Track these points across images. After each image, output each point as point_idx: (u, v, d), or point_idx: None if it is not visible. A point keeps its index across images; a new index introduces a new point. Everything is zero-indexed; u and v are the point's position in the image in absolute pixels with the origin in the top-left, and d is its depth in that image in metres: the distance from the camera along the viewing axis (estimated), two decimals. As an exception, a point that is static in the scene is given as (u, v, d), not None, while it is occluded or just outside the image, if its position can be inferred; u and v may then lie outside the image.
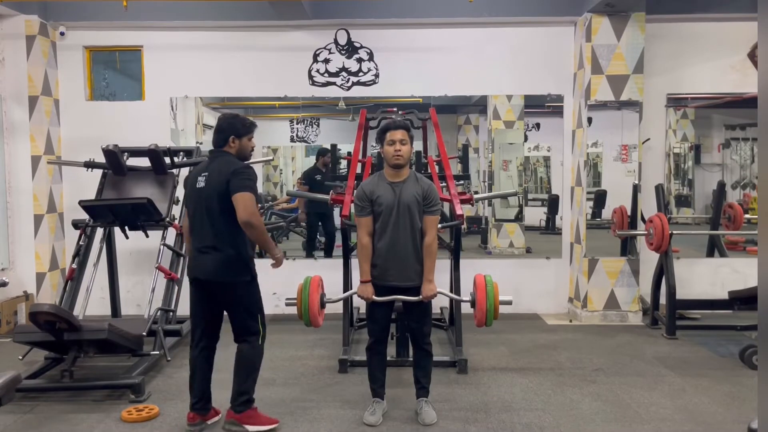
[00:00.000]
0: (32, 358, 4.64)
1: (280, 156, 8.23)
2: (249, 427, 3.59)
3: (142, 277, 6.32)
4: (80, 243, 5.27)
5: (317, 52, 6.53)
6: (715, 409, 3.99)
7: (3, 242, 6.18)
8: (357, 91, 6.59)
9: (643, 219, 6.18)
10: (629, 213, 6.27)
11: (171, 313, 5.08)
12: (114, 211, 5.15)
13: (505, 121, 6.94)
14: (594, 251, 6.22)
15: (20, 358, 4.62)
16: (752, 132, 7.10)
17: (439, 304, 5.93)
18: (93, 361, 4.64)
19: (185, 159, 5.79)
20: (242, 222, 3.43)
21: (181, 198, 5.61)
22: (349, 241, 5.34)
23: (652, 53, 6.30)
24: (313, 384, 4.45)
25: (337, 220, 6.61)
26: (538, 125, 7.24)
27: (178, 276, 5.22)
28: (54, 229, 6.41)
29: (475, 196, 5.91)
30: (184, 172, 5.78)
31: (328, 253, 7.09)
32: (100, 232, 5.42)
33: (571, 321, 6.29)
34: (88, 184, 5.73)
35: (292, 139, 7.62)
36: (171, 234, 5.35)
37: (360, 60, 6.53)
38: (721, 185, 6.79)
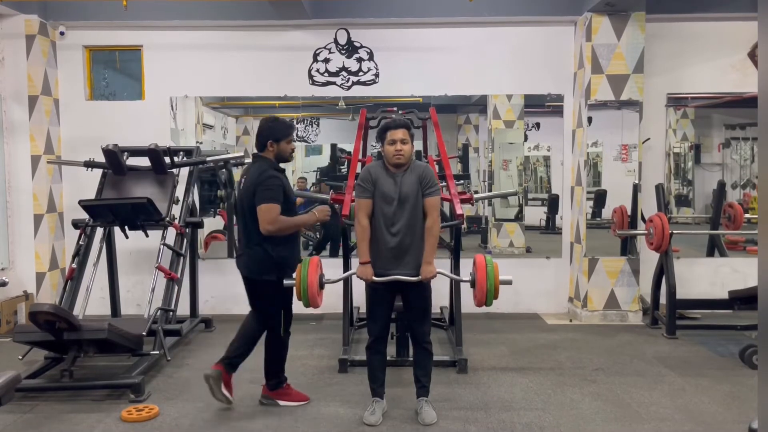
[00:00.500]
0: (32, 358, 4.63)
1: (280, 156, 8.21)
2: (281, 402, 4.04)
3: (142, 277, 6.32)
4: (80, 243, 5.27)
5: (317, 52, 6.53)
6: (715, 408, 3.99)
7: (3, 242, 6.18)
8: (357, 91, 6.59)
9: (643, 219, 6.18)
10: (629, 213, 6.26)
11: (171, 313, 5.08)
12: (114, 210, 5.15)
13: (505, 121, 6.94)
14: (594, 251, 6.22)
15: (20, 357, 4.62)
16: (752, 131, 7.09)
17: (439, 303, 5.93)
18: (93, 360, 4.63)
19: (185, 159, 5.79)
20: (264, 232, 3.74)
21: (180, 198, 5.62)
22: (349, 241, 5.33)
23: (652, 53, 6.30)
24: (313, 384, 4.45)
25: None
26: (538, 125, 7.24)
27: (178, 276, 5.22)
28: (54, 228, 6.41)
29: (475, 196, 5.91)
30: (184, 171, 5.80)
31: (335, 253, 6.99)
32: (100, 231, 5.43)
33: (571, 321, 6.29)
34: (88, 184, 5.73)
35: (292, 139, 7.62)
36: (171, 234, 5.34)
37: (360, 60, 6.53)
38: (721, 185, 6.79)
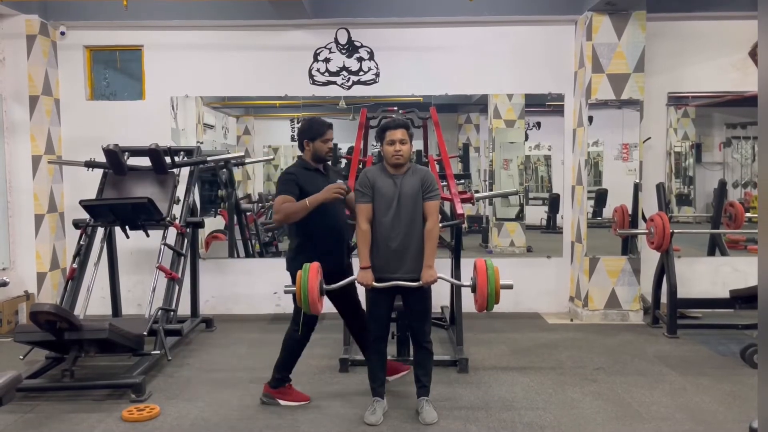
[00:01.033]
0: (33, 358, 4.63)
1: (281, 155, 8.22)
2: (281, 401, 4.06)
3: (142, 277, 6.32)
4: (81, 242, 5.27)
5: (318, 52, 6.53)
6: (716, 408, 3.99)
7: (4, 242, 6.19)
8: (357, 91, 6.58)
9: (644, 218, 6.17)
10: (630, 212, 6.26)
11: (172, 313, 5.07)
12: (115, 210, 5.16)
13: (506, 120, 6.94)
14: (595, 250, 6.22)
15: (21, 357, 4.61)
16: (753, 130, 7.09)
17: (440, 303, 5.93)
18: (94, 360, 4.64)
19: (186, 158, 5.80)
20: (275, 222, 4.19)
21: (181, 197, 5.63)
22: (350, 241, 5.32)
23: (653, 52, 6.30)
24: (313, 383, 4.45)
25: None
26: (538, 124, 7.24)
27: (179, 275, 5.23)
28: (55, 228, 6.41)
29: (476, 195, 5.91)
30: (185, 171, 5.80)
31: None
32: (100, 231, 5.43)
33: (572, 320, 6.29)
34: (89, 184, 5.74)
35: (292, 139, 7.62)
36: (172, 233, 5.35)
37: (360, 59, 6.53)
38: (722, 184, 6.78)
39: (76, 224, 5.37)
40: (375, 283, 3.71)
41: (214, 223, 7.25)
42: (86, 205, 5.10)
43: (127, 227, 5.26)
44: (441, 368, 4.59)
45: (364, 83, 6.56)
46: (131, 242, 5.49)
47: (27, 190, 6.27)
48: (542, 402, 4.09)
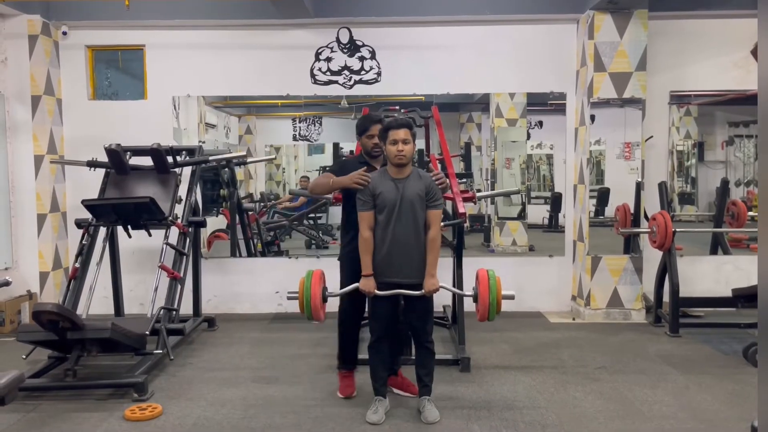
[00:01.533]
0: (36, 357, 4.64)
1: (283, 155, 8.24)
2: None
3: (144, 276, 6.33)
4: (83, 242, 5.28)
5: (319, 51, 6.53)
6: (719, 407, 3.98)
7: (6, 242, 6.20)
8: (359, 90, 6.58)
9: (646, 217, 6.17)
10: (632, 211, 6.25)
11: (174, 312, 5.08)
12: (117, 210, 5.16)
13: (508, 119, 6.94)
14: (597, 249, 6.21)
15: (24, 357, 4.62)
16: (755, 129, 7.03)
17: (442, 302, 5.93)
18: (96, 360, 4.64)
19: (188, 158, 5.80)
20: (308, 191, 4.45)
21: (183, 197, 5.63)
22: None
23: (655, 50, 6.28)
24: (315, 382, 4.45)
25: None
26: (540, 123, 7.24)
27: (181, 275, 5.23)
28: (57, 228, 6.42)
29: (478, 194, 5.91)
30: (187, 171, 5.81)
31: None
32: (103, 231, 5.43)
33: (574, 319, 6.28)
34: (91, 184, 5.75)
35: (294, 138, 7.64)
36: (174, 233, 5.35)
37: (362, 58, 6.53)
38: (725, 182, 6.77)
39: (79, 224, 5.38)
40: (377, 291, 3.71)
41: (216, 222, 7.27)
42: (88, 204, 5.11)
43: (129, 227, 5.26)
44: (443, 367, 4.58)
45: (366, 82, 6.56)
46: (133, 242, 5.49)
47: (29, 190, 6.28)
48: (544, 401, 4.09)
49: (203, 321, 5.95)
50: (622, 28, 6.00)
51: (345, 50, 6.52)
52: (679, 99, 6.63)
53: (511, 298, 3.76)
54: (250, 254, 6.93)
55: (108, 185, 5.58)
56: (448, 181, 4.13)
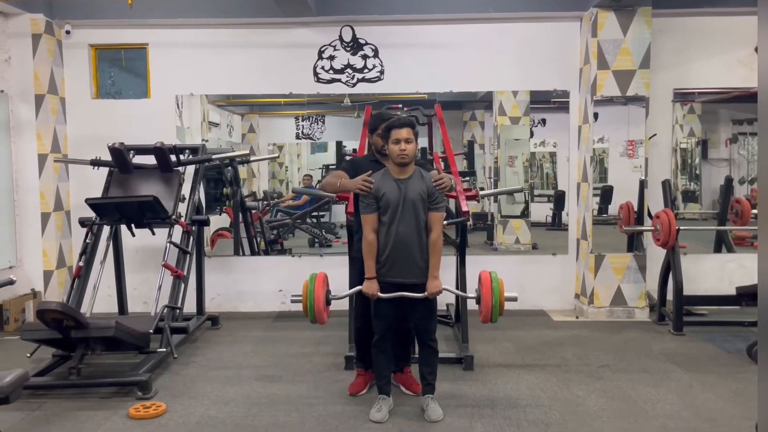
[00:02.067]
0: (40, 356, 4.65)
1: (286, 153, 8.24)
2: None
3: (148, 275, 6.33)
4: (87, 241, 5.28)
5: (322, 49, 6.53)
6: (722, 405, 3.98)
7: (10, 240, 6.21)
8: (362, 88, 6.58)
9: (649, 215, 6.16)
10: (636, 209, 6.24)
11: (178, 311, 5.09)
12: (120, 208, 5.17)
13: (511, 117, 6.93)
14: (600, 247, 6.20)
15: (28, 355, 4.63)
16: (760, 127, 7.05)
17: (445, 300, 5.92)
18: (100, 358, 4.67)
19: (191, 157, 5.81)
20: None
21: (186, 195, 5.64)
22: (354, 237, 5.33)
23: (659, 48, 6.27)
24: (319, 381, 4.46)
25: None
26: (544, 121, 7.23)
27: (185, 273, 5.24)
28: (61, 227, 6.44)
29: (481, 193, 5.89)
30: (190, 169, 5.81)
31: None
32: (106, 229, 5.44)
33: (577, 317, 6.28)
34: (95, 182, 5.76)
35: (297, 136, 7.64)
36: (177, 231, 5.36)
37: (365, 56, 6.52)
38: (729, 180, 6.76)
39: (82, 222, 5.38)
40: (380, 294, 3.71)
41: (219, 221, 7.27)
42: (92, 203, 5.12)
43: (132, 225, 5.27)
44: (446, 366, 4.59)
45: (369, 80, 6.56)
46: (137, 240, 5.51)
47: (33, 189, 6.29)
48: (547, 399, 4.09)
49: (207, 319, 5.96)
50: (625, 26, 5.98)
51: (348, 48, 6.52)
52: (682, 97, 6.62)
53: (514, 299, 3.76)
54: (253, 253, 6.94)
55: (111, 184, 5.58)
56: (450, 182, 4.11)
